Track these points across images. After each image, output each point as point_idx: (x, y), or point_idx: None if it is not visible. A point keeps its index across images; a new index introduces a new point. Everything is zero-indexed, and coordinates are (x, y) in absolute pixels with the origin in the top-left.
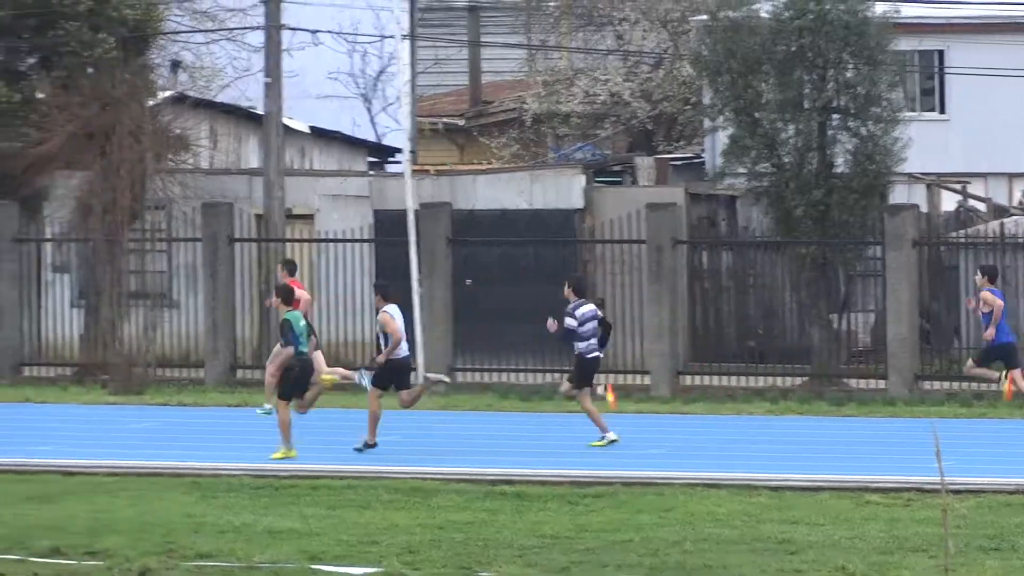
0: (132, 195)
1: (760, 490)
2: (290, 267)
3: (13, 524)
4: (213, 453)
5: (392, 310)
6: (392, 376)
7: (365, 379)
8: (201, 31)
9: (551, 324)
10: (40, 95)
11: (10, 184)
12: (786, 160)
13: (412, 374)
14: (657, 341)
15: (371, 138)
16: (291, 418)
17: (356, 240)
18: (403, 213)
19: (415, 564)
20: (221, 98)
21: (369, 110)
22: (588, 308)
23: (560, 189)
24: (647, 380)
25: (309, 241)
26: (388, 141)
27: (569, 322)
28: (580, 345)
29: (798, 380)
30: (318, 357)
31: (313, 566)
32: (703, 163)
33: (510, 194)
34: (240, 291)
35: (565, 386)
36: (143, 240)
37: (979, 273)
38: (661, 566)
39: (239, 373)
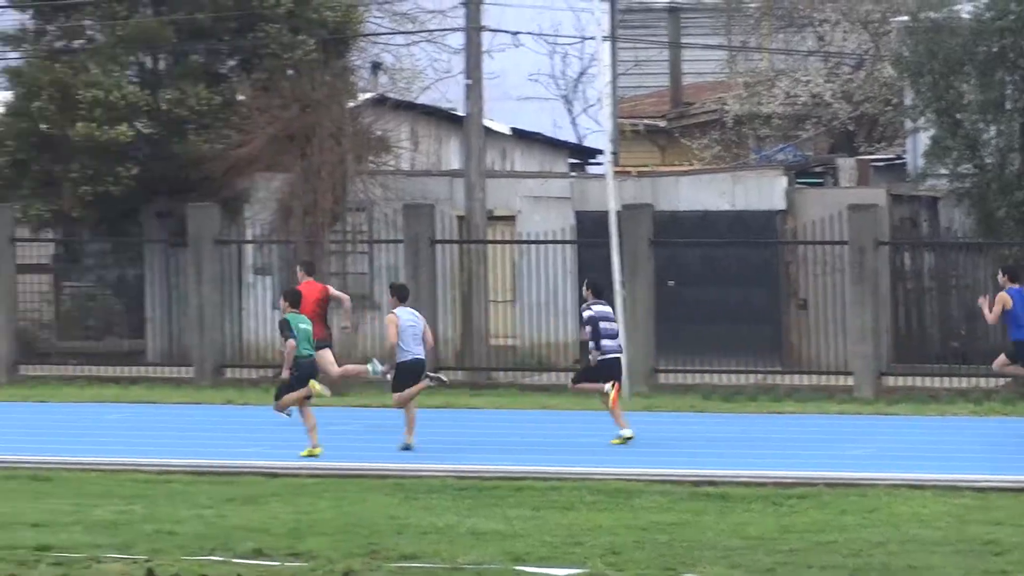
0: (333, 197)
1: (964, 491)
2: (308, 267)
3: (217, 525)
4: (416, 454)
5: (400, 312)
6: (408, 377)
7: (378, 367)
8: (401, 33)
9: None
10: (241, 97)
11: (211, 186)
12: (988, 161)
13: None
14: (860, 342)
15: (572, 139)
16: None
17: (558, 241)
18: (605, 214)
19: (619, 565)
20: (422, 100)
21: (570, 111)
22: (603, 308)
23: (762, 190)
24: (850, 381)
25: (511, 243)
26: (589, 142)
27: (586, 314)
28: (604, 344)
29: (1002, 381)
30: (326, 356)
31: (517, 567)
32: (904, 164)
33: (712, 195)
34: (442, 293)
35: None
36: (344, 242)
37: (1001, 272)
38: (865, 567)
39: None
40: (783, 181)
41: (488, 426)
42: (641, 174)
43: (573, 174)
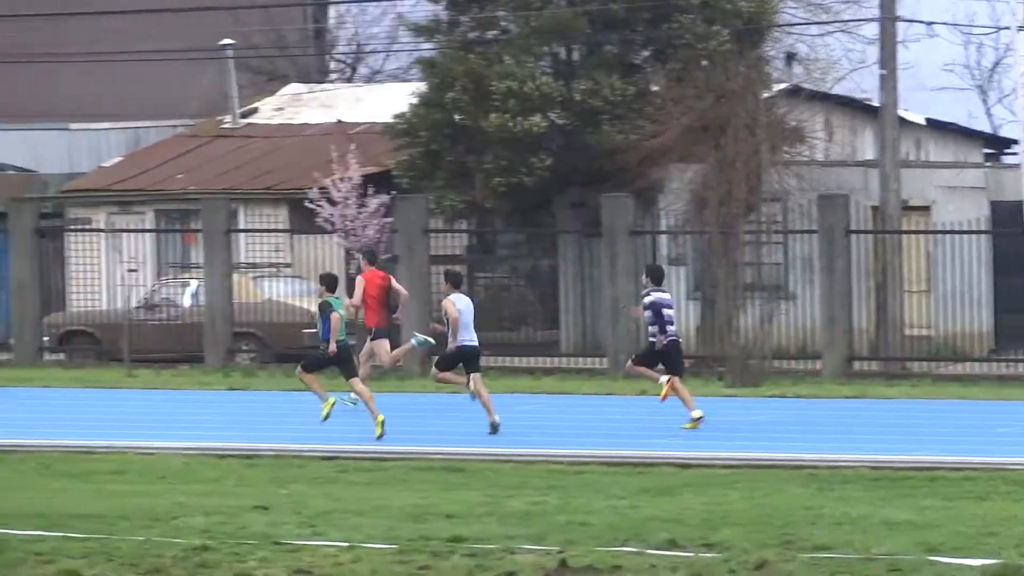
0: (747, 187)
1: None
2: (370, 256)
3: (630, 516)
4: (830, 445)
5: (456, 298)
6: (458, 360)
7: (420, 339)
8: (816, 23)
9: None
10: (655, 88)
11: (625, 177)
12: None
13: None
14: None
15: (987, 129)
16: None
17: (972, 231)
18: (1020, 204)
19: None
20: (836, 90)
21: (984, 101)
22: (661, 296)
23: None
24: None
25: (925, 233)
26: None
27: (647, 299)
28: (669, 328)
29: None
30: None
31: (930, 558)
32: None
33: None
34: (856, 283)
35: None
36: (759, 232)
37: None
38: None
39: (856, 365)
40: None
41: (902, 416)
42: None
43: (988, 164)
